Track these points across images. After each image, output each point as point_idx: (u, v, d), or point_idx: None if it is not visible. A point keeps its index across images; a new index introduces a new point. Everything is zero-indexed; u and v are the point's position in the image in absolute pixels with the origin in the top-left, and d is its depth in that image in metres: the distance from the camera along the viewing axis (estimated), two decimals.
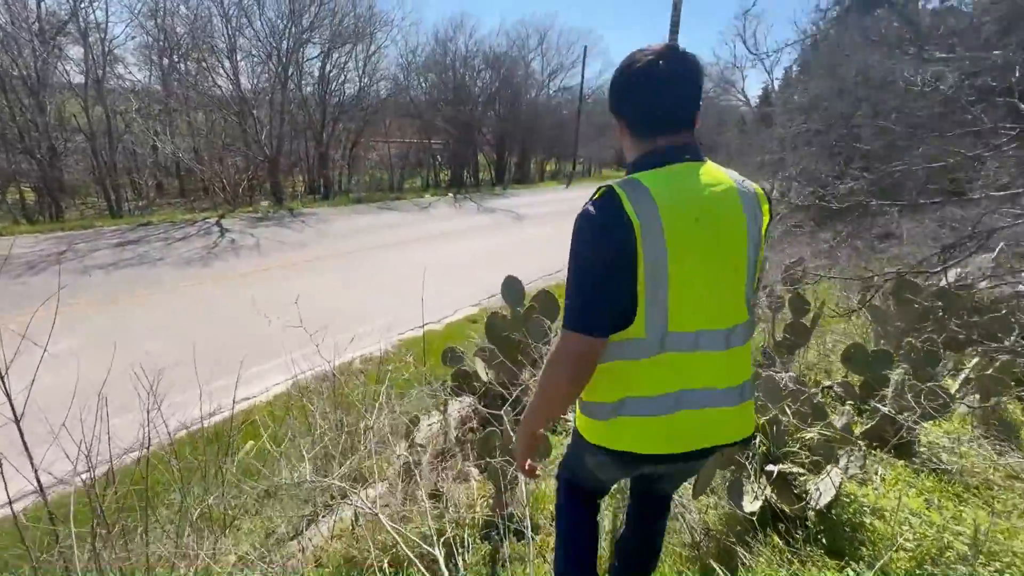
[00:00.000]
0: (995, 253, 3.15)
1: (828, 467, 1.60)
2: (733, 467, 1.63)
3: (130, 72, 14.26)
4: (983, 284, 2.98)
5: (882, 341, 3.26)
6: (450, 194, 18.29)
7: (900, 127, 8.50)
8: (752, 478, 1.60)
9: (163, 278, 7.21)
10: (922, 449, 2.02)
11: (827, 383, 2.60)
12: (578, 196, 20.10)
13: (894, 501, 1.63)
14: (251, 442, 3.15)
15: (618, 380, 1.04)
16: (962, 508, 1.68)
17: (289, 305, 3.55)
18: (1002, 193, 3.28)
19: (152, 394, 2.14)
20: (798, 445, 1.75)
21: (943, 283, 2.88)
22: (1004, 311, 2.64)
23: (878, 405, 2.05)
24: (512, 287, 2.68)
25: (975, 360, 2.24)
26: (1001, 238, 3.19)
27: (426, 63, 21.88)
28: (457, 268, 8.42)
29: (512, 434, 1.80)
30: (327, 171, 17.06)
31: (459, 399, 3.33)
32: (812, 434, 1.74)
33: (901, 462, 1.97)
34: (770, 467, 1.63)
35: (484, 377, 3.00)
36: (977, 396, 2.13)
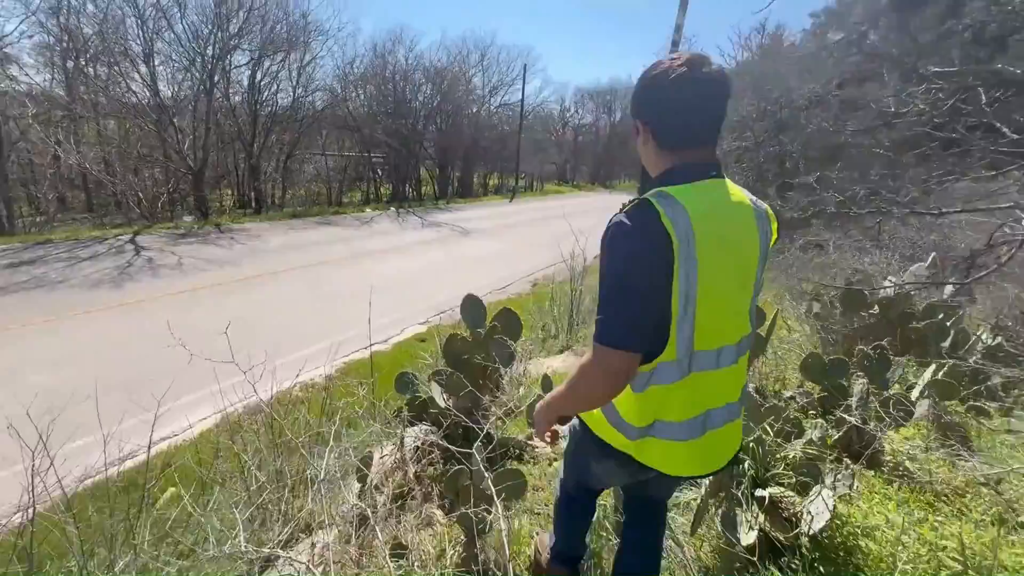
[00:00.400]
0: (928, 262, 3.37)
1: (816, 487, 1.55)
2: (722, 494, 1.54)
3: (26, 74, 12.82)
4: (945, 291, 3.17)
5: (829, 348, 3.37)
6: (392, 208, 17.83)
7: (820, 148, 9.21)
8: (744, 506, 1.51)
9: (65, 302, 6.37)
10: (887, 458, 2.05)
11: (787, 393, 2.62)
12: (522, 210, 20.24)
13: (880, 518, 1.60)
14: (172, 489, 2.73)
15: (649, 404, 1.04)
16: (940, 520, 1.69)
17: (218, 329, 3.17)
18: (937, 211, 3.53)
19: (42, 441, 1.76)
20: (782, 465, 1.69)
21: (888, 292, 3.03)
22: (941, 316, 2.80)
23: (844, 415, 2.06)
24: (472, 307, 2.50)
25: (931, 367, 2.34)
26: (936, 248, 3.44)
27: (364, 75, 21.40)
28: (403, 285, 8.10)
29: (484, 474, 1.62)
30: (259, 184, 16.11)
31: (415, 428, 3.08)
32: (794, 452, 1.69)
33: (872, 472, 1.98)
34: (760, 492, 1.56)
35: (442, 403, 2.78)
36: (928, 402, 2.20)
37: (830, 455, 1.77)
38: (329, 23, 24.68)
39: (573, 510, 1.47)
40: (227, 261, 8.79)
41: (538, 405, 1.18)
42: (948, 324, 2.76)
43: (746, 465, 1.64)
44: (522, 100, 28.66)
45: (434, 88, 23.34)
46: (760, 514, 1.49)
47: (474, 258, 10.51)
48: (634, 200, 0.99)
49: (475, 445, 1.69)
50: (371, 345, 4.30)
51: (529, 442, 2.58)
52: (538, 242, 12.07)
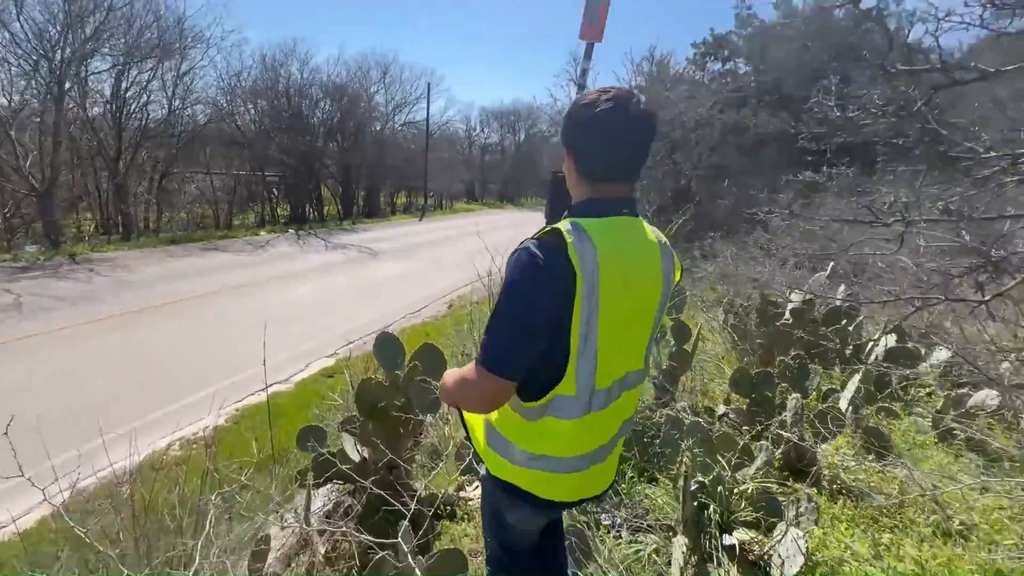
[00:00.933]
0: (827, 272, 3.61)
1: (781, 525, 1.44)
2: (690, 545, 1.37)
3: None
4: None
5: (747, 358, 3.45)
6: (291, 230, 16.54)
7: (709, 166, 10.00)
8: (715, 561, 1.36)
9: None
10: (825, 472, 2.04)
11: (720, 410, 2.59)
12: (432, 228, 19.81)
13: (839, 546, 1.54)
14: None
15: (543, 436, 1.04)
16: (889, 535, 1.67)
17: (66, 381, 2.48)
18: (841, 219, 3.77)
19: None
20: (743, 502, 1.58)
21: (794, 302, 3.17)
22: (844, 322, 2.97)
23: (781, 432, 2.03)
24: (386, 345, 2.16)
25: (857, 375, 2.42)
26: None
27: (254, 88, 19.84)
28: (306, 314, 7.37)
29: (414, 569, 1.31)
30: (127, 207, 14.10)
31: (325, 488, 2.63)
32: (750, 486, 1.58)
33: (813, 490, 1.95)
34: (728, 539, 1.42)
35: (355, 457, 2.38)
36: (850, 410, 2.26)
37: (779, 480, 1.69)
38: (210, 31, 22.48)
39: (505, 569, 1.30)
40: (84, 298, 7.44)
41: (443, 377, 1.15)
42: (851, 329, 2.92)
43: (711, 510, 1.50)
44: (427, 119, 28.40)
45: (334, 104, 22.27)
46: (732, 566, 1.35)
47: (385, 281, 9.94)
48: (545, 229, 0.98)
49: (401, 531, 1.37)
50: (267, 387, 3.72)
51: (460, 494, 2.27)
52: (452, 261, 11.75)
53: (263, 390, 5.09)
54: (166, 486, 2.82)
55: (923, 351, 2.83)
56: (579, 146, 1.04)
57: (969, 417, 2.27)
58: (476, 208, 36.28)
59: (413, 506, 1.68)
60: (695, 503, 1.42)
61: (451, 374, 1.11)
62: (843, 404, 2.19)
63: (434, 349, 2.23)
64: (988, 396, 2.29)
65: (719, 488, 1.55)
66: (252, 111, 20.02)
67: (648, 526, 1.68)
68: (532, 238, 0.97)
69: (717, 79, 11.98)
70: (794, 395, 2.16)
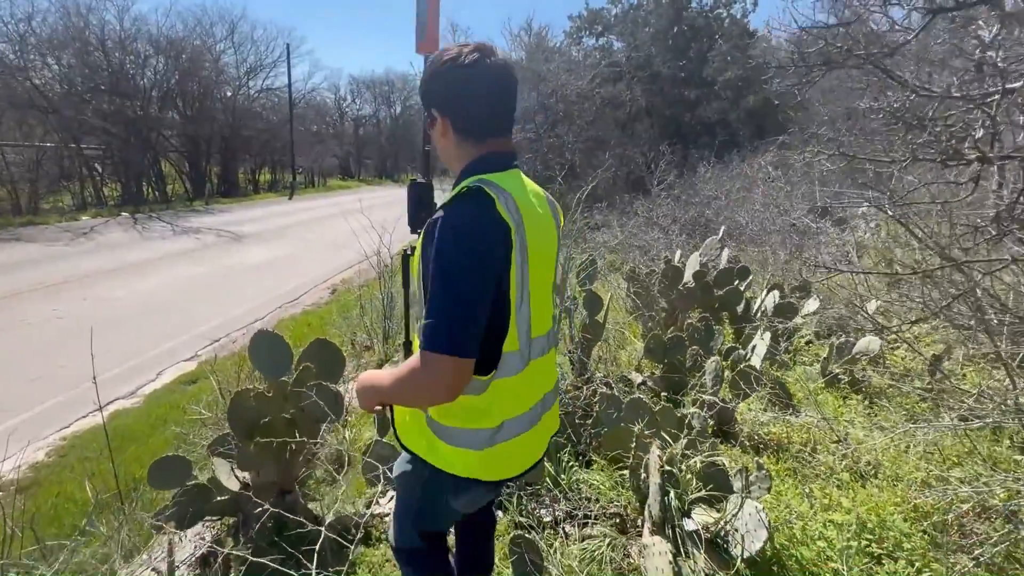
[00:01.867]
0: (719, 235, 3.82)
1: (734, 497, 1.38)
2: (673, 550, 1.23)
3: None
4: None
5: (650, 324, 3.53)
6: (125, 213, 13.90)
7: (588, 139, 10.28)
8: (682, 552, 1.24)
9: None
10: (741, 428, 2.10)
11: (637, 379, 2.57)
12: (307, 207, 18.03)
13: (781, 508, 1.54)
14: None
15: (496, 401, 1.00)
16: (813, 485, 1.73)
17: None
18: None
19: None
20: (692, 478, 1.50)
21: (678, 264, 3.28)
22: (736, 283, 3.14)
23: (710, 396, 2.03)
24: (267, 347, 1.70)
25: (767, 334, 2.52)
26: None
27: (54, 39, 15.99)
28: (155, 312, 6.17)
29: None
30: None
31: (197, 528, 2.10)
32: (695, 458, 1.51)
33: (736, 449, 1.98)
34: (689, 524, 1.32)
35: (232, 485, 1.92)
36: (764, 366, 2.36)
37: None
38: None
39: (427, 568, 1.26)
40: None
41: (360, 383, 1.06)
42: (742, 289, 3.10)
43: (671, 496, 1.39)
44: (289, 85, 25.50)
45: (169, 63, 18.91)
46: (700, 555, 1.25)
47: (253, 267, 8.75)
48: (460, 190, 0.92)
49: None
50: (101, 408, 2.91)
51: (373, 510, 1.93)
52: (332, 241, 10.76)
53: (101, 409, 4.12)
54: None
55: (797, 304, 3.12)
56: (456, 107, 0.99)
57: (852, 363, 2.53)
58: (353, 185, 33.99)
59: (322, 535, 1.34)
60: (663, 496, 1.31)
61: (378, 376, 1.02)
62: (756, 361, 2.29)
63: (327, 345, 1.83)
64: (871, 342, 2.56)
65: (674, 469, 1.45)
66: (55, 67, 16.19)
67: (594, 517, 1.54)
68: (449, 204, 0.91)
69: (592, 54, 12.31)
70: (713, 357, 2.19)
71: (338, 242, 9.97)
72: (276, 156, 26.49)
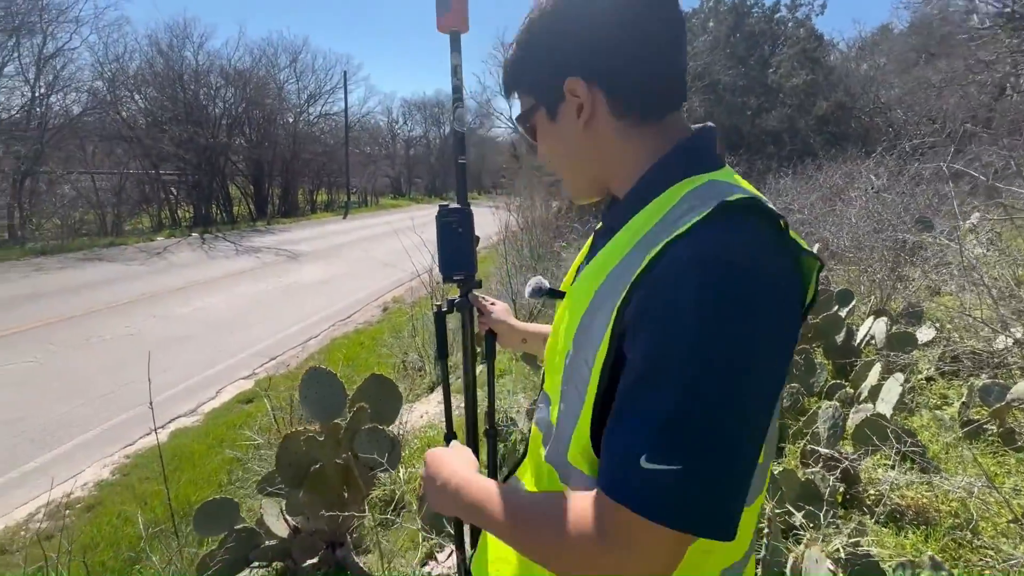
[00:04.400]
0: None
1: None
2: None
3: None
4: None
5: None
6: (194, 234, 14.74)
7: None
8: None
9: None
10: (865, 492, 1.72)
11: None
12: (358, 227, 18.55)
13: None
14: None
15: (713, 549, 0.52)
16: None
17: None
18: None
19: None
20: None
21: None
22: (836, 308, 2.75)
23: (827, 449, 1.68)
24: (319, 387, 1.53)
25: (876, 367, 2.14)
26: None
27: (140, 75, 17.44)
28: (214, 330, 6.33)
29: None
30: None
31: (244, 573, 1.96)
32: (836, 543, 1.19)
33: (869, 518, 1.62)
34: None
35: (281, 531, 1.76)
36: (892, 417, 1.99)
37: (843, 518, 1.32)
38: (79, 7, 19.35)
39: None
40: None
41: (434, 472, 0.68)
42: (843, 316, 2.69)
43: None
44: (345, 110, 26.74)
45: (238, 93, 20.18)
46: None
47: (309, 286, 8.94)
48: (735, 199, 0.49)
49: None
50: (155, 430, 2.88)
51: (429, 570, 1.71)
52: (383, 259, 10.89)
53: (161, 427, 4.17)
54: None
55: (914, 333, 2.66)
56: (619, 67, 0.57)
57: (1003, 411, 2.07)
58: (404, 203, 34.91)
59: None
60: None
61: (471, 483, 0.62)
62: (886, 409, 1.89)
63: (382, 382, 1.65)
64: None
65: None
66: (140, 100, 17.61)
67: None
68: (694, 230, 0.47)
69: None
70: (829, 402, 1.84)
71: (389, 260, 10.05)
72: (332, 177, 27.63)
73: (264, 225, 18.11)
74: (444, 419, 0.89)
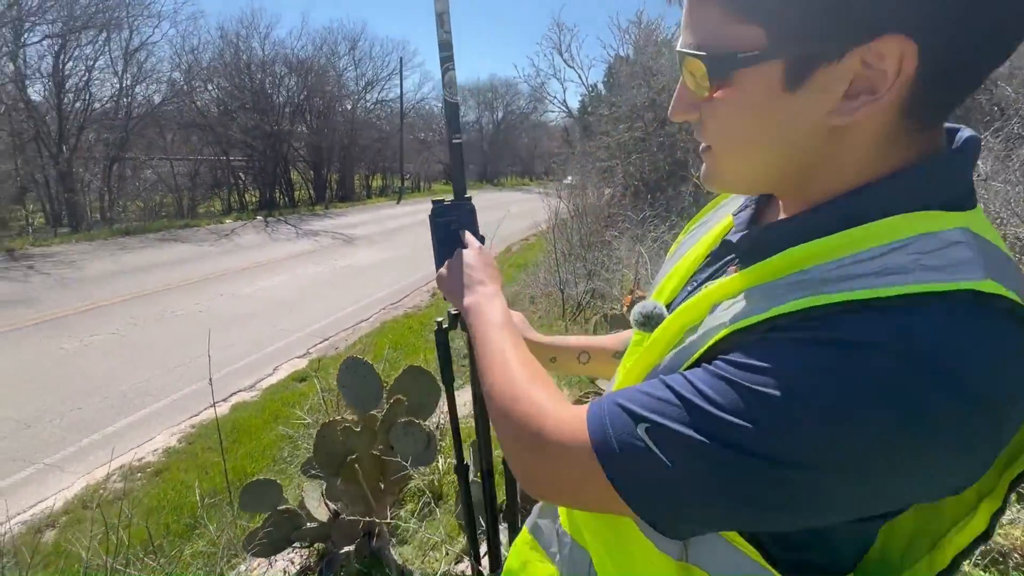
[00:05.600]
0: None
1: None
2: None
3: None
4: None
5: None
6: (259, 217, 15.54)
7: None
8: None
9: None
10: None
11: None
12: (411, 211, 18.91)
13: None
14: None
15: None
16: None
17: None
18: None
19: None
20: None
21: None
22: None
23: None
24: (357, 375, 1.54)
25: None
26: None
27: (212, 66, 18.47)
28: (274, 309, 6.65)
29: None
30: (74, 197, 12.96)
31: (284, 555, 2.03)
32: None
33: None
34: None
35: (321, 515, 1.79)
36: None
37: None
38: (161, 3, 20.60)
39: None
40: (19, 299, 6.58)
41: (471, 276, 0.70)
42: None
43: None
44: (401, 96, 27.14)
45: (300, 81, 20.98)
46: None
47: (362, 269, 9.21)
48: (987, 298, 0.32)
49: None
50: (215, 404, 3.06)
51: (462, 569, 1.70)
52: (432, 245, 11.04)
53: (224, 400, 4.44)
54: (96, 532, 2.20)
55: None
56: (948, 23, 0.33)
57: None
58: None
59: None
60: None
61: (488, 308, 0.66)
62: None
63: (421, 374, 1.62)
64: None
65: None
66: (212, 90, 18.70)
67: None
68: (943, 301, 0.33)
69: None
70: None
71: None
72: (387, 163, 28.30)
73: (322, 209, 18.84)
74: (474, 427, 0.82)
